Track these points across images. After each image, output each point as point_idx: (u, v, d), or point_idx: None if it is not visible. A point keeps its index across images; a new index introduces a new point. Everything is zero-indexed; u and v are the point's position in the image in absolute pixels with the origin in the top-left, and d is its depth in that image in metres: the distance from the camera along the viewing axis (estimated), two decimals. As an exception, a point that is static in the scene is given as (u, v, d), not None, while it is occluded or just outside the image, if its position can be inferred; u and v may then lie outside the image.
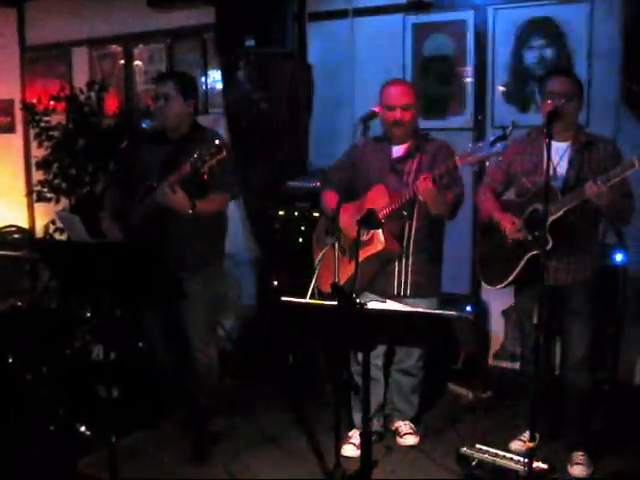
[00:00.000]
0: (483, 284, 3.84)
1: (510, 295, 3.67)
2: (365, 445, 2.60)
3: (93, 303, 4.13)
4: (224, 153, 3.16)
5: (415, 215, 3.48)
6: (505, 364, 4.59)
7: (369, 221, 2.97)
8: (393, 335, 2.46)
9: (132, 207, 3.52)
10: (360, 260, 2.98)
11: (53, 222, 5.61)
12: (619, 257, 4.04)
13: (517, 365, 4.20)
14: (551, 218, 3.11)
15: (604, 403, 3.82)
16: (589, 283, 3.32)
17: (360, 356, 2.61)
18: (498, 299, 4.42)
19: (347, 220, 3.35)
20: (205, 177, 3.20)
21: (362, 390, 2.56)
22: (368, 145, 3.55)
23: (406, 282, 3.52)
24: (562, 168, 3.25)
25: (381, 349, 3.62)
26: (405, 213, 3.43)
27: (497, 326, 4.67)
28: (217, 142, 3.19)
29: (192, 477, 3.41)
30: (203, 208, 3.36)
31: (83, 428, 3.72)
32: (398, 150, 3.55)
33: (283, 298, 2.53)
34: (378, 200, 3.38)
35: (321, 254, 3.05)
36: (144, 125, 3.63)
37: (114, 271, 2.71)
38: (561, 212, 3.13)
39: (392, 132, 3.51)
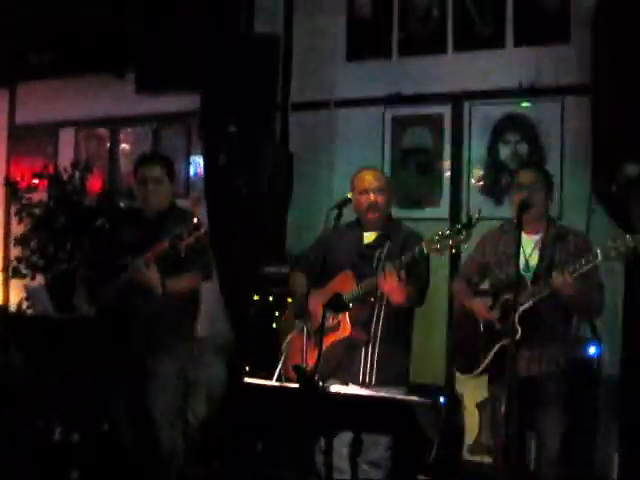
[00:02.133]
0: (457, 375, 3.81)
1: (485, 387, 3.61)
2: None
3: (58, 379, 4.04)
4: (202, 231, 3.19)
5: (383, 302, 3.42)
6: (480, 458, 4.48)
7: (335, 305, 2.96)
8: (355, 420, 2.41)
9: (105, 284, 3.49)
10: (326, 345, 2.94)
11: (27, 298, 5.54)
12: (593, 349, 4.02)
13: (492, 459, 4.10)
14: (521, 308, 3.12)
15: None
16: (562, 374, 3.29)
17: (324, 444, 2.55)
18: (473, 391, 4.35)
19: (315, 304, 3.32)
20: (182, 255, 3.21)
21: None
22: (340, 231, 3.53)
23: (372, 370, 3.42)
24: (533, 260, 3.28)
25: (347, 439, 3.53)
26: (372, 299, 3.40)
27: (472, 419, 4.58)
28: (195, 220, 3.22)
29: None
30: (175, 287, 3.34)
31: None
32: (368, 237, 3.55)
33: (246, 379, 2.49)
34: (345, 285, 3.37)
35: (288, 338, 3.02)
36: (122, 204, 3.63)
37: (78, 346, 2.68)
38: (530, 302, 3.14)
39: (366, 217, 3.51)
